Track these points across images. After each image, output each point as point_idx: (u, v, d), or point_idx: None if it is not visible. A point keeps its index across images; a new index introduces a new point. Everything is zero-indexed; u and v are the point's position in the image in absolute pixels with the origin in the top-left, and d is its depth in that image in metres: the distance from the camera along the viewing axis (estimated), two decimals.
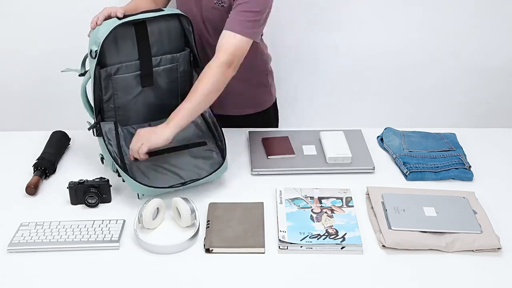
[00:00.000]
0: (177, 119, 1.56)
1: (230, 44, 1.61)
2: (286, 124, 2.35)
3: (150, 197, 1.51)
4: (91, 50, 1.55)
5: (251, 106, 1.97)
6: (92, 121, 1.64)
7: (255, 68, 1.89)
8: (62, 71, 1.67)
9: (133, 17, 1.57)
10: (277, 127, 2.09)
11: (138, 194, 1.56)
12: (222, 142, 1.64)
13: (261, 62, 1.92)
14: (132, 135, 1.60)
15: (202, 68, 1.63)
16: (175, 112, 1.57)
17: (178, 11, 1.65)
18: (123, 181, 1.56)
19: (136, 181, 1.50)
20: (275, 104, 2.07)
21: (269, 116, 2.05)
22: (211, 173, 1.56)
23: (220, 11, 1.69)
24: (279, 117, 2.12)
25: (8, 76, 2.36)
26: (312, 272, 1.32)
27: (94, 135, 1.60)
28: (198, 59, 1.71)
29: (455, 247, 1.37)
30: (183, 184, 1.54)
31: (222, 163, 1.59)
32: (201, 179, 1.55)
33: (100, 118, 1.62)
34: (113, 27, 1.53)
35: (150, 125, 1.67)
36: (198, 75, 1.67)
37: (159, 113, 1.71)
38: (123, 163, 1.53)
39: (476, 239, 1.38)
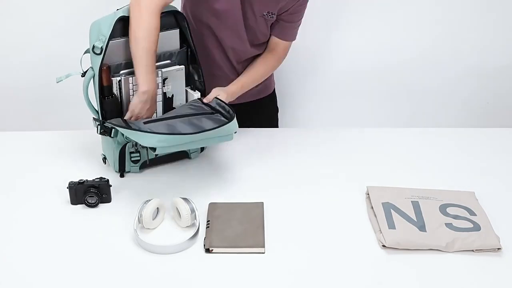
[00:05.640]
0: (234, 88, 1.77)
1: (285, 50, 1.88)
2: (285, 123, 2.35)
3: (150, 197, 1.52)
4: (94, 46, 1.54)
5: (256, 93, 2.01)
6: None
7: None
8: (57, 82, 1.63)
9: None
10: (277, 120, 2.14)
11: (147, 155, 1.63)
12: (230, 112, 1.57)
13: None
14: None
15: (199, 65, 1.70)
16: (232, 84, 1.79)
17: (173, 8, 1.65)
18: (136, 150, 1.60)
19: (149, 132, 1.44)
20: (274, 91, 2.13)
21: (273, 101, 2.13)
22: (224, 124, 1.48)
23: (265, 21, 1.80)
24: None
25: (9, 77, 2.37)
26: (312, 272, 1.32)
27: (97, 132, 1.59)
28: (196, 55, 1.71)
29: (455, 247, 1.37)
30: (201, 132, 1.46)
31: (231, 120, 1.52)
32: (219, 127, 1.47)
33: (104, 116, 1.62)
34: (116, 19, 1.52)
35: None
36: (196, 71, 1.71)
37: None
38: (128, 125, 1.53)
39: (476, 239, 1.38)
